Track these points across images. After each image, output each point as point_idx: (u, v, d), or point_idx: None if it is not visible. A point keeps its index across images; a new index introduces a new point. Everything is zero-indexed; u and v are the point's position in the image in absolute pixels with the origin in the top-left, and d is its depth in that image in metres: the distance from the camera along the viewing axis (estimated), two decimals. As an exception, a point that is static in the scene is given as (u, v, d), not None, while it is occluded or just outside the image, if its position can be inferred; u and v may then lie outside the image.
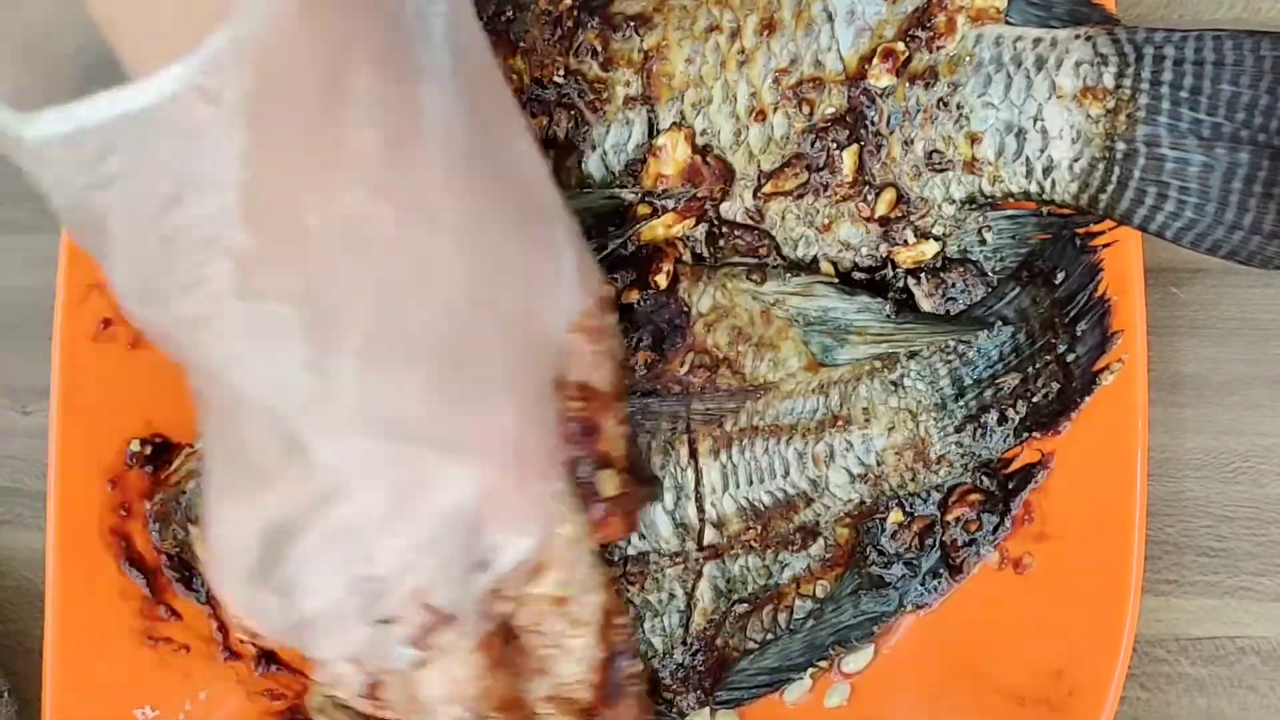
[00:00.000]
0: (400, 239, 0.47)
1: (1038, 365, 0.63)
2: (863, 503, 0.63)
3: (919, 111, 0.60)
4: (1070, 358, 0.62)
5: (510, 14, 0.60)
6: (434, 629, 0.52)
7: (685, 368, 0.61)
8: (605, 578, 0.58)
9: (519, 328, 0.52)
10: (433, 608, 0.52)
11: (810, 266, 0.63)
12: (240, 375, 0.47)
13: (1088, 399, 0.62)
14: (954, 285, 0.63)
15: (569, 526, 0.55)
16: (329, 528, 0.50)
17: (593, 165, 0.61)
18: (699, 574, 0.62)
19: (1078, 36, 0.59)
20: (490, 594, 0.54)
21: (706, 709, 0.63)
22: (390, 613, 0.52)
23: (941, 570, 0.64)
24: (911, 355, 0.63)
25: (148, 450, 0.65)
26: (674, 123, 0.61)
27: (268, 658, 0.66)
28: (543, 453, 0.53)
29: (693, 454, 0.61)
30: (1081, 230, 0.62)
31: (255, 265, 0.45)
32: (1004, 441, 0.63)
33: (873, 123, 0.61)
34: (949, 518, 0.63)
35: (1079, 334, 0.62)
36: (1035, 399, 0.63)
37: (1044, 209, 0.61)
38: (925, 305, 0.63)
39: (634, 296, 0.61)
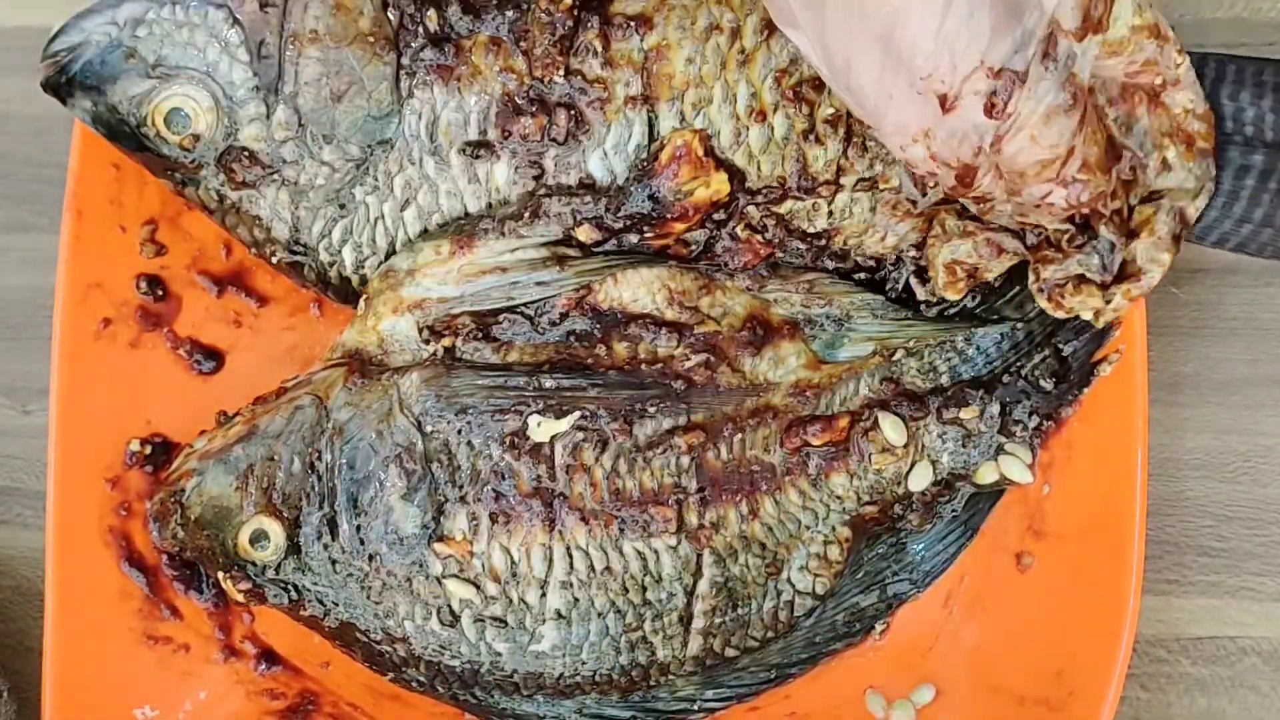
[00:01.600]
0: None
1: (1036, 360, 0.63)
2: (861, 501, 0.63)
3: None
4: (1068, 350, 0.63)
5: (511, 14, 0.60)
6: (1004, 92, 0.53)
7: (690, 362, 0.61)
8: None
9: None
10: (995, 69, 0.52)
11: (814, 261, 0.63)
12: None
13: (1086, 390, 0.62)
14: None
15: None
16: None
17: (593, 165, 0.61)
18: (699, 573, 0.62)
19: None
20: (1052, 44, 0.53)
21: None
22: (952, 88, 0.53)
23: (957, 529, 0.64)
24: (911, 353, 0.63)
25: (148, 450, 0.65)
26: (674, 127, 0.61)
27: (268, 658, 0.66)
28: None
29: (691, 452, 0.61)
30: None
31: None
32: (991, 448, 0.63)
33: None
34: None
35: (1076, 327, 0.62)
36: (1032, 400, 0.63)
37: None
38: (924, 301, 0.63)
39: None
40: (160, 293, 0.66)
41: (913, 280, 0.63)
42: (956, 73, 0.53)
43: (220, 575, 0.62)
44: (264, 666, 0.66)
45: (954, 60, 0.52)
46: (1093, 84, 0.56)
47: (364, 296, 0.62)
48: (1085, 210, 0.56)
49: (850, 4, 0.52)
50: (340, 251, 0.63)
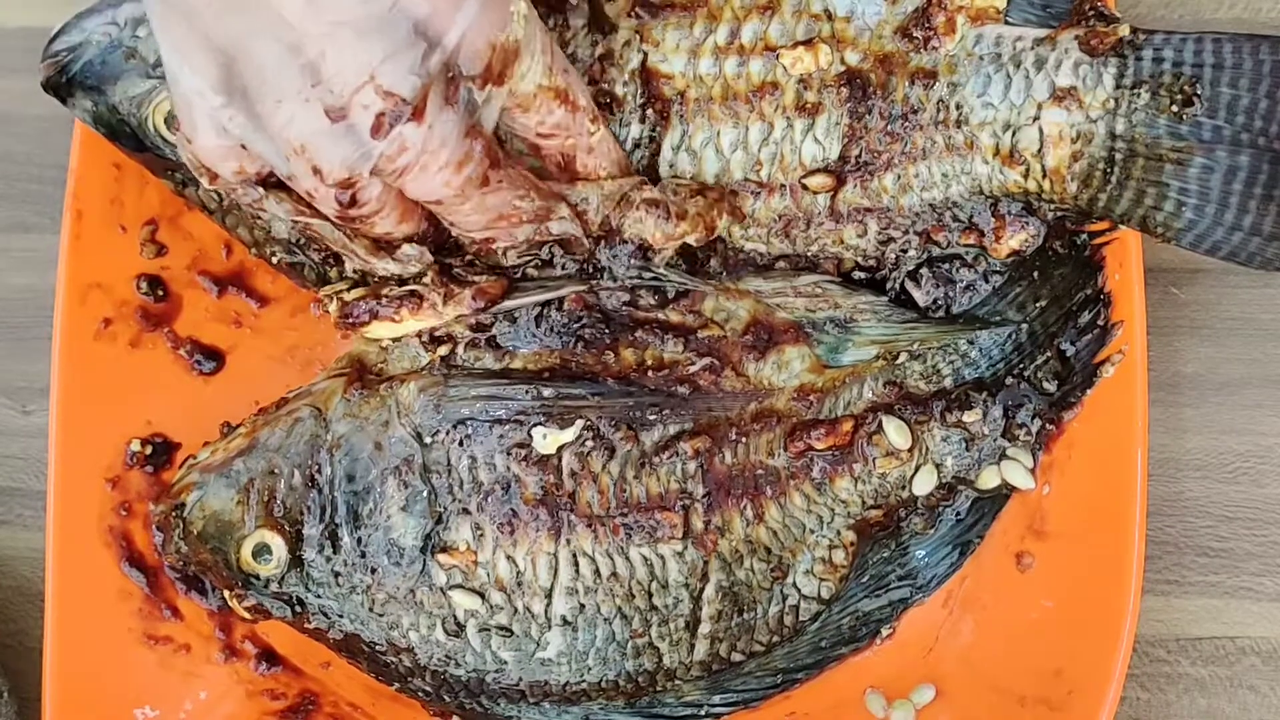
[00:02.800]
0: None
1: (1039, 361, 0.63)
2: (865, 505, 0.63)
3: (918, 111, 0.60)
4: (1070, 351, 0.63)
5: None
6: (393, 115, 0.52)
7: (695, 366, 0.61)
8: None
9: None
10: (386, 90, 0.52)
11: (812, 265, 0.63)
12: None
13: (1089, 391, 0.62)
14: (952, 282, 0.63)
15: (522, 4, 0.55)
16: (268, 27, 0.51)
17: None
18: (705, 578, 0.62)
19: (1077, 37, 0.59)
20: (453, 87, 0.53)
21: None
22: (341, 101, 0.52)
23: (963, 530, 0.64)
24: (914, 356, 0.63)
25: (148, 450, 0.65)
26: (682, 136, 0.61)
27: (268, 658, 0.66)
28: None
29: (696, 458, 0.61)
30: (1081, 229, 0.62)
31: None
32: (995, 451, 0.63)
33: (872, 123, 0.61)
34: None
35: (1079, 327, 0.62)
36: (1034, 403, 0.63)
37: (1044, 208, 0.61)
38: (922, 303, 0.63)
39: None
40: (160, 293, 0.66)
41: (908, 283, 0.63)
42: (346, 83, 0.52)
43: (226, 594, 0.62)
44: (264, 666, 0.66)
45: (344, 70, 0.52)
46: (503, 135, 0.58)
47: None
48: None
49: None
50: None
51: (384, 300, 0.59)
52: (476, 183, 0.56)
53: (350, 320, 0.60)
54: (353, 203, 0.55)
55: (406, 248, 0.59)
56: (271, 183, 0.57)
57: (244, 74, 0.52)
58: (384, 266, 0.59)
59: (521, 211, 0.58)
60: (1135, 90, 0.58)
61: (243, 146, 0.55)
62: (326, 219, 0.58)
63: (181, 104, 0.54)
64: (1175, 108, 0.58)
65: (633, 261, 0.60)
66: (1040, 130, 0.59)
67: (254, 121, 0.53)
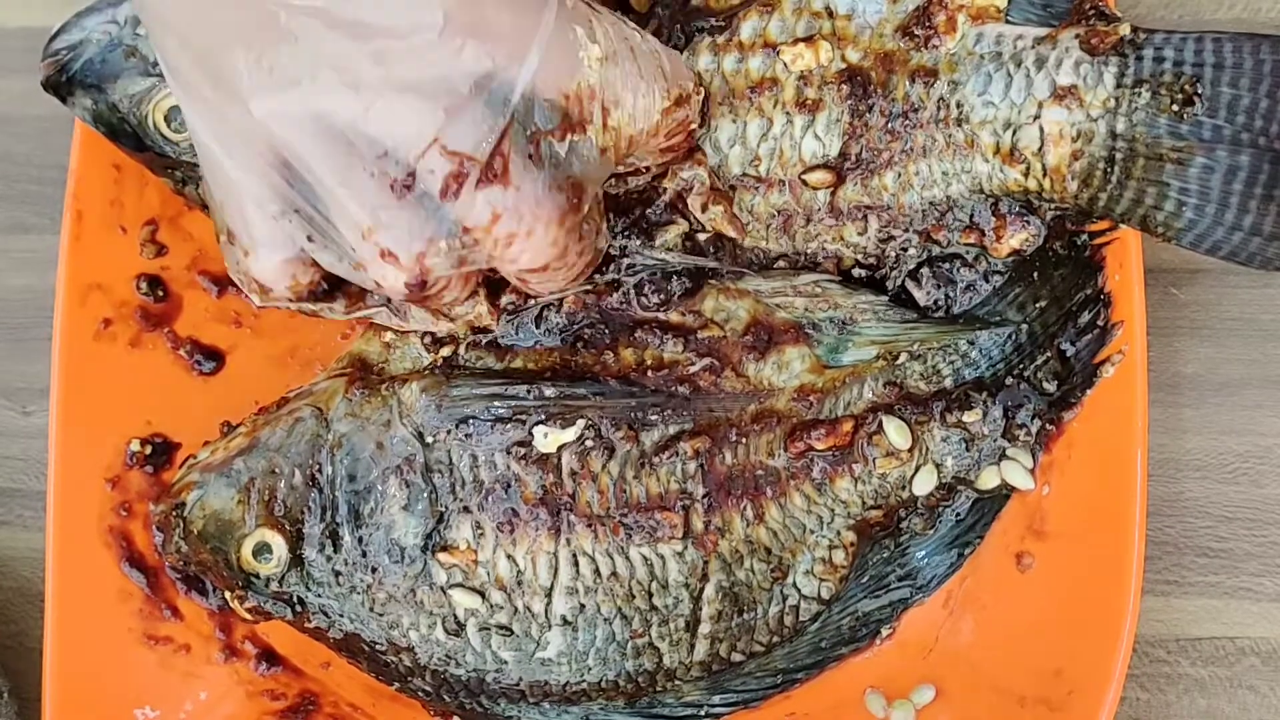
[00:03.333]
0: None
1: (1039, 361, 0.63)
2: (865, 505, 0.63)
3: (919, 109, 0.60)
4: (1070, 351, 0.63)
5: None
6: (462, 175, 0.50)
7: (695, 367, 0.61)
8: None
9: None
10: (451, 151, 0.50)
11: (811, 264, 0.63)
12: None
13: (1089, 392, 0.62)
14: (953, 282, 0.63)
15: (595, 48, 0.52)
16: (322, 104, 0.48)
17: None
18: (705, 578, 0.62)
19: (1078, 36, 0.59)
20: (531, 137, 0.51)
21: None
22: (407, 169, 0.50)
23: (966, 529, 0.64)
24: (914, 356, 0.63)
25: (148, 450, 0.65)
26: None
27: (268, 658, 0.66)
28: None
29: (697, 458, 0.61)
30: (1081, 229, 0.62)
31: None
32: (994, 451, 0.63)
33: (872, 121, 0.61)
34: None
35: (1079, 327, 0.62)
36: (1034, 403, 0.63)
37: (1044, 207, 0.61)
38: (922, 303, 0.63)
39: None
40: (160, 293, 0.66)
41: (909, 283, 0.63)
42: (410, 150, 0.50)
43: (227, 595, 0.62)
44: (264, 667, 0.66)
45: (407, 137, 0.49)
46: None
47: None
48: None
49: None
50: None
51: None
52: (577, 237, 0.54)
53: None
54: (422, 286, 0.53)
55: (463, 306, 0.58)
56: (322, 291, 0.55)
57: (301, 163, 0.50)
58: (445, 327, 0.59)
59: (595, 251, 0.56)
60: (1136, 89, 0.58)
61: (300, 251, 0.53)
62: (384, 307, 0.57)
63: (234, 215, 0.52)
64: (1176, 107, 0.58)
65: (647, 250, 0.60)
66: (1041, 129, 0.59)
67: (313, 219, 0.51)
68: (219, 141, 0.51)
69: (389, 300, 0.57)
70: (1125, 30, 0.58)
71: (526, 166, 0.51)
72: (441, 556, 0.60)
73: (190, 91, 0.51)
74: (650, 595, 0.61)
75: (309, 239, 0.52)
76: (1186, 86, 0.58)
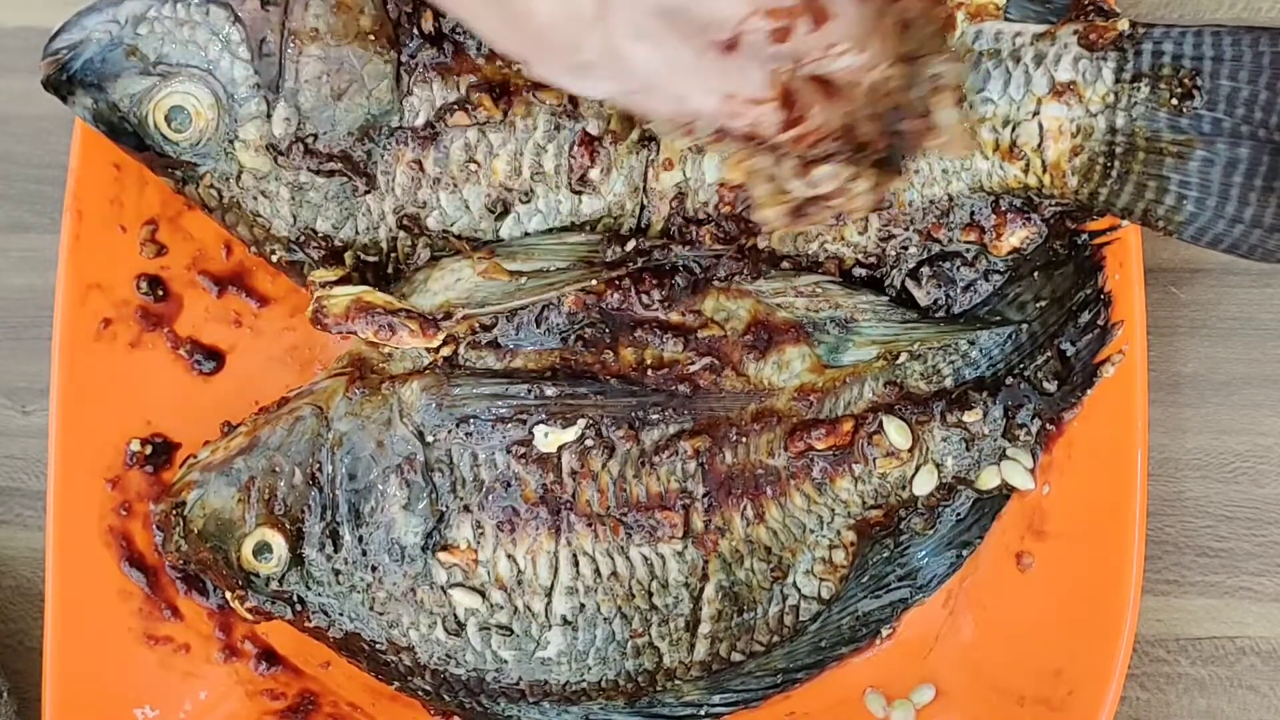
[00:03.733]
0: None
1: (1039, 361, 0.63)
2: (866, 505, 0.63)
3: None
4: (1070, 351, 0.63)
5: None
6: (787, 25, 0.52)
7: (695, 366, 0.61)
8: None
9: None
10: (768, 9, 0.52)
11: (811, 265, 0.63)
12: None
13: (1089, 391, 0.62)
14: (953, 281, 0.63)
15: None
16: None
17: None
18: (705, 578, 0.62)
19: (1076, 32, 0.59)
20: None
21: None
22: (728, 33, 0.52)
23: (967, 528, 0.64)
24: (915, 356, 0.63)
25: (147, 450, 0.65)
26: None
27: (268, 658, 0.66)
28: None
29: (697, 457, 0.61)
30: (1081, 227, 0.62)
31: None
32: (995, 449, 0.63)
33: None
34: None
35: (1079, 327, 0.62)
36: (1034, 403, 0.63)
37: (1044, 203, 0.61)
38: (923, 303, 0.63)
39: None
40: (160, 293, 0.66)
41: (908, 282, 0.63)
42: (728, 17, 0.52)
43: (228, 595, 0.62)
44: (264, 666, 0.66)
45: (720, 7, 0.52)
46: None
47: None
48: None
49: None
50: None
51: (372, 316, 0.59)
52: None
53: (323, 322, 0.60)
54: (792, 107, 0.55)
55: (823, 169, 0.57)
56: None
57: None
58: (801, 188, 0.58)
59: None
60: (1135, 84, 0.58)
61: None
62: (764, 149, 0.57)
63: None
64: (1175, 101, 0.58)
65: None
66: (1040, 125, 0.60)
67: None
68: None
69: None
70: (1124, 25, 0.58)
71: None
72: (442, 556, 0.60)
73: None
74: (650, 595, 0.61)
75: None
76: (1185, 80, 0.58)
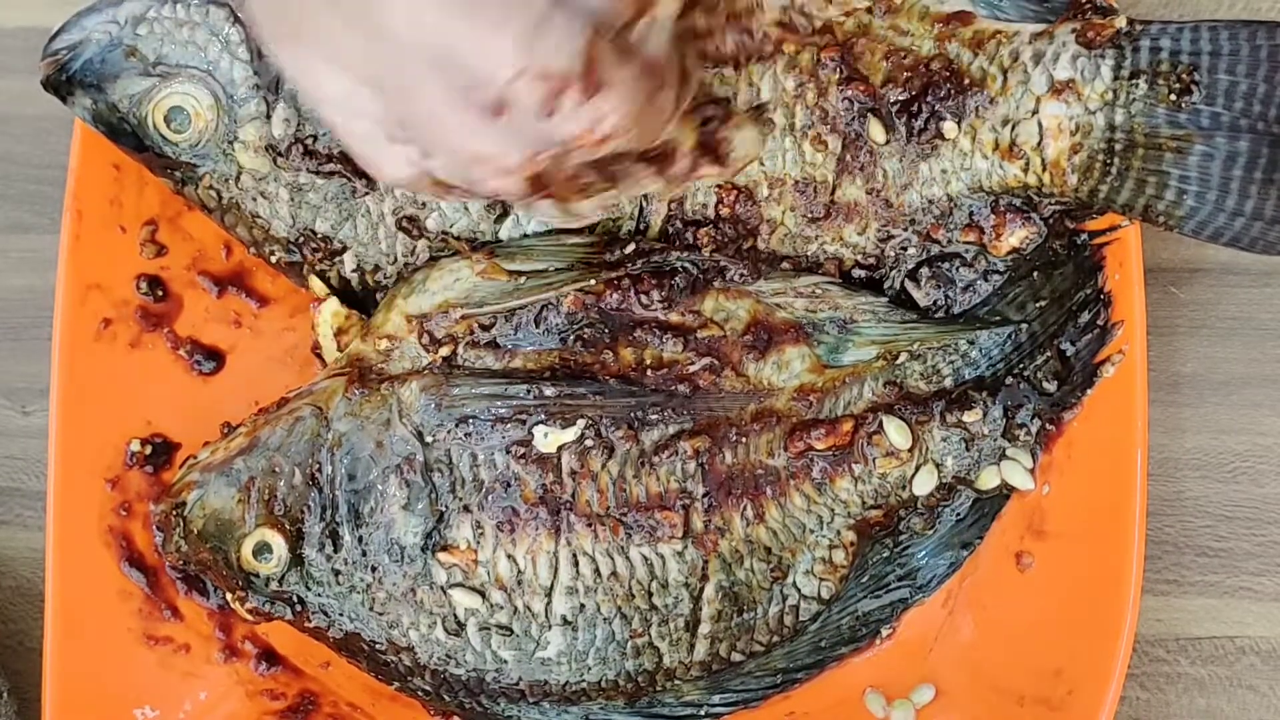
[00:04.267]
0: None
1: (1039, 361, 0.63)
2: (865, 505, 0.63)
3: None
4: (1070, 351, 0.63)
5: None
6: (558, 91, 0.48)
7: (695, 366, 0.61)
8: None
9: None
10: (541, 72, 0.47)
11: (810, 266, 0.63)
12: None
13: (1089, 391, 0.62)
14: (952, 282, 0.63)
15: None
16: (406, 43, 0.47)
17: None
18: (704, 578, 0.62)
19: (1074, 30, 0.59)
20: (619, 33, 0.48)
21: None
22: (496, 94, 0.47)
23: (967, 532, 0.64)
24: (914, 356, 0.63)
25: (147, 450, 0.65)
26: None
27: (268, 658, 0.66)
28: None
29: (697, 457, 0.61)
30: (1081, 227, 0.62)
31: None
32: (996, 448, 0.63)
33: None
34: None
35: (1079, 327, 0.62)
36: (1034, 403, 0.63)
37: (1044, 203, 0.61)
38: (922, 303, 0.63)
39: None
40: (160, 293, 0.66)
41: (908, 283, 0.63)
42: (497, 76, 0.47)
43: (228, 595, 0.62)
44: (264, 666, 0.66)
45: (490, 62, 0.47)
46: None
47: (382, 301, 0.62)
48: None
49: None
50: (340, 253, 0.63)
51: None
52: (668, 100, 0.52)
53: None
54: (540, 189, 0.51)
55: (584, 203, 0.54)
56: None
57: (398, 100, 0.49)
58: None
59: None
60: (1133, 80, 0.58)
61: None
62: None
63: (357, 142, 0.51)
64: (1173, 96, 0.58)
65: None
66: (1039, 124, 0.60)
67: (424, 145, 0.50)
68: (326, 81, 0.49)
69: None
70: (1121, 23, 0.59)
71: (616, 63, 0.49)
72: (441, 556, 0.60)
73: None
74: (650, 595, 0.61)
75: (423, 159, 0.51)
76: (1184, 75, 0.58)
